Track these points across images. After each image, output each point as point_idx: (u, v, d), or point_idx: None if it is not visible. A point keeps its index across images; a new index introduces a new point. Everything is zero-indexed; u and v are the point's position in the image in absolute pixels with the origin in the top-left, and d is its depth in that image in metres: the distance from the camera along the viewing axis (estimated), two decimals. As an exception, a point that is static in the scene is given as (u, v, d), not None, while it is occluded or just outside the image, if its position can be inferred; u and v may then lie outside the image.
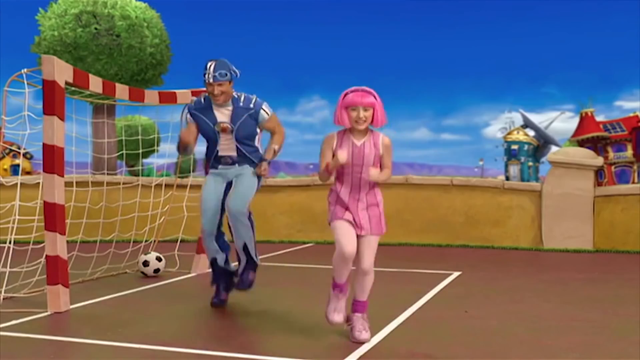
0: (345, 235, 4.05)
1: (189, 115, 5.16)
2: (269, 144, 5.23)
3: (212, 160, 5.21)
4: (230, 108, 5.06)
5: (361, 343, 4.15)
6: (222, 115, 5.07)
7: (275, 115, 5.22)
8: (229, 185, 5.17)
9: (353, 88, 4.08)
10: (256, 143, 5.20)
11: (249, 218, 5.10)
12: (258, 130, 5.18)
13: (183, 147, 5.08)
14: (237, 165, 5.15)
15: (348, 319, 4.33)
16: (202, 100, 5.14)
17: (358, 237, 4.12)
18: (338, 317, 4.26)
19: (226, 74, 4.94)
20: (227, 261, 5.34)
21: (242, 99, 5.10)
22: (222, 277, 5.41)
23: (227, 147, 5.12)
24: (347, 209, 4.12)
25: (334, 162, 4.02)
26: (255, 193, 5.13)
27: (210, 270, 5.50)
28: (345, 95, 4.07)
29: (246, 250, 5.16)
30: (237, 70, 5.04)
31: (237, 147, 5.10)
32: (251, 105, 5.08)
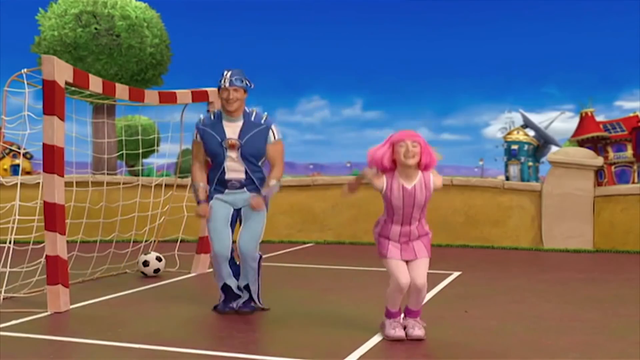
0: (399, 268, 4.20)
1: (196, 134, 5.10)
2: (267, 177, 5.09)
3: (216, 184, 5.07)
4: (241, 123, 5.01)
5: (417, 339, 4.24)
6: (232, 129, 4.99)
7: (282, 142, 5.14)
8: (235, 212, 5.08)
9: (398, 130, 4.19)
10: (260, 164, 5.10)
11: (258, 262, 5.11)
12: (266, 148, 5.08)
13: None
14: (245, 189, 5.04)
15: (404, 326, 4.39)
16: (212, 116, 5.09)
17: (410, 261, 4.27)
18: (399, 331, 4.28)
19: (242, 81, 4.95)
20: (239, 287, 5.20)
21: (254, 114, 5.06)
22: (234, 300, 5.23)
23: (234, 167, 5.00)
24: (395, 242, 4.25)
25: (364, 177, 4.16)
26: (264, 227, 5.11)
27: (219, 291, 5.26)
28: (391, 136, 4.16)
29: (247, 289, 5.18)
30: (251, 83, 5.05)
31: (245, 168, 4.99)
32: (262, 122, 5.03)
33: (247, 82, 5.01)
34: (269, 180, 5.05)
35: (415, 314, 4.35)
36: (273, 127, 5.05)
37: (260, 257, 5.13)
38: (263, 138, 5.02)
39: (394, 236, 4.23)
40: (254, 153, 5.00)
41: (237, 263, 5.17)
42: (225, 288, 5.17)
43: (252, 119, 5.03)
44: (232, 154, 4.99)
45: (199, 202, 5.09)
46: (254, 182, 5.04)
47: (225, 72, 4.97)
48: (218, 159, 5.03)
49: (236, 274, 5.17)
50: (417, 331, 4.27)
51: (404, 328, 4.32)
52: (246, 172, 5.01)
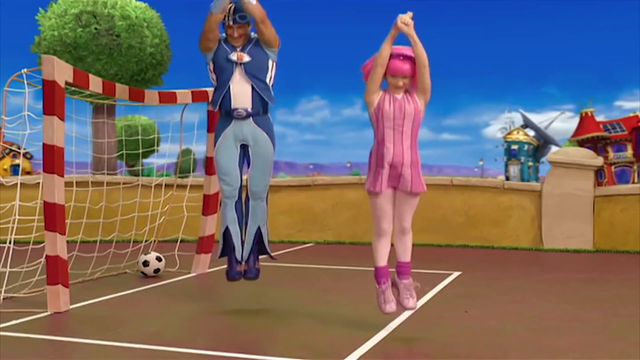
0: (383, 210, 4.19)
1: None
2: None
3: (223, 112, 5.05)
4: (246, 45, 5.05)
5: (410, 309, 4.31)
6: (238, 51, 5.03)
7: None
8: (242, 147, 5.06)
9: (395, 49, 4.21)
10: (268, 80, 5.08)
11: (266, 200, 5.15)
12: (270, 63, 5.07)
13: (206, 37, 4.96)
14: (251, 119, 5.02)
15: (393, 284, 4.40)
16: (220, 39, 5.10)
17: (397, 192, 4.22)
18: (390, 307, 4.32)
19: (246, 17, 4.96)
20: (240, 235, 5.17)
21: (252, 35, 5.10)
22: (233, 249, 5.17)
23: (240, 90, 4.97)
24: (387, 166, 4.18)
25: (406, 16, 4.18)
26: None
27: (220, 257, 5.24)
28: (390, 59, 4.21)
29: (258, 234, 5.14)
30: None
31: (252, 88, 4.96)
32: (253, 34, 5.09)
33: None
34: None
35: (405, 269, 4.35)
36: None
37: (267, 194, 5.18)
38: (261, 48, 5.03)
39: (387, 156, 4.18)
40: (259, 67, 5.01)
41: (242, 209, 5.15)
42: (226, 233, 5.12)
43: (252, 37, 5.08)
44: (238, 71, 4.98)
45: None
46: (259, 109, 5.03)
47: (230, 7, 4.95)
48: (224, 75, 5.00)
49: (241, 221, 5.16)
50: (411, 302, 4.31)
51: (396, 294, 4.34)
52: (252, 96, 4.99)
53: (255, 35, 5.09)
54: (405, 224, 4.26)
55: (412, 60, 4.20)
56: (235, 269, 5.17)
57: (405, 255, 4.35)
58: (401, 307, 4.37)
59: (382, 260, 4.37)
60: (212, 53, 5.06)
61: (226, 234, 5.14)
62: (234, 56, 4.98)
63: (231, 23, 4.95)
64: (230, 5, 4.94)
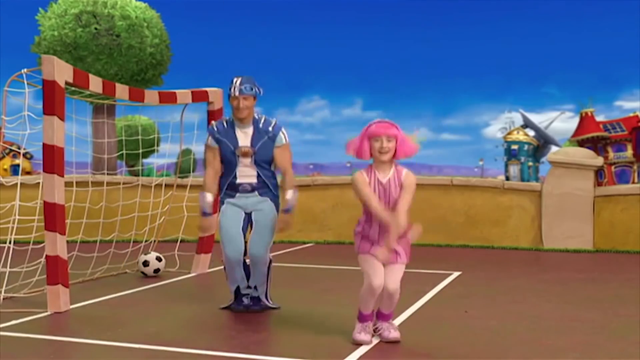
0: (374, 268, 4.10)
1: (211, 139, 5.13)
2: (282, 188, 5.12)
3: (228, 188, 5.12)
4: (252, 129, 5.07)
5: (393, 342, 4.18)
6: (244, 136, 5.05)
7: (291, 150, 5.20)
8: (247, 216, 5.11)
9: (376, 120, 4.15)
10: (272, 168, 5.17)
11: (268, 266, 5.20)
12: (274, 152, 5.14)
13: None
14: (256, 192, 5.09)
15: (375, 328, 4.35)
16: (224, 123, 5.14)
17: (385, 265, 4.15)
18: (364, 336, 4.22)
19: (252, 89, 5.00)
20: (248, 286, 5.27)
21: (263, 120, 5.11)
22: (242, 301, 5.28)
23: (246, 173, 5.06)
24: (375, 243, 4.14)
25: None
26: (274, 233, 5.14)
27: (229, 289, 5.30)
28: (368, 127, 4.11)
29: (256, 290, 5.25)
30: (260, 89, 5.10)
31: (257, 173, 5.05)
32: (270, 128, 5.08)
33: (257, 89, 5.06)
34: (286, 193, 5.08)
35: (387, 317, 4.31)
36: (282, 130, 5.13)
37: (271, 261, 5.21)
38: (272, 144, 5.08)
39: (373, 235, 4.14)
40: (266, 159, 5.08)
41: (247, 263, 5.21)
42: (237, 291, 5.24)
43: (261, 125, 5.09)
44: (245, 160, 5.05)
45: (204, 214, 5.09)
46: (264, 185, 5.10)
47: (235, 80, 5.01)
48: (231, 166, 5.09)
49: (248, 276, 5.23)
50: (393, 333, 4.23)
51: (376, 331, 4.28)
52: (258, 177, 5.07)
53: (261, 116, 5.13)
54: (392, 287, 4.15)
55: (395, 127, 4.08)
56: (241, 302, 5.27)
57: (390, 309, 4.28)
58: (384, 339, 4.24)
59: (370, 309, 4.27)
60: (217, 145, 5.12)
61: (237, 293, 5.25)
62: (239, 153, 5.03)
63: (237, 94, 4.95)
64: (237, 78, 4.99)
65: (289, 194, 5.06)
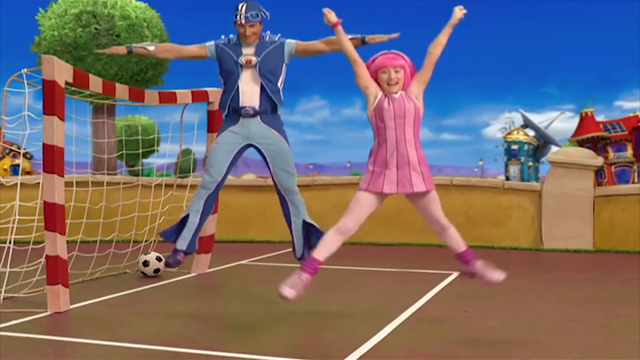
0: (357, 210, 3.99)
1: (212, 46, 5.12)
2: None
3: (229, 110, 5.05)
4: (256, 44, 5.07)
5: (498, 283, 4.19)
6: (248, 50, 5.04)
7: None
8: (246, 147, 5.08)
9: (381, 52, 4.07)
10: (279, 84, 5.09)
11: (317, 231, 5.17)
12: (283, 67, 5.10)
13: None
14: (259, 117, 5.02)
15: (469, 274, 4.30)
16: (229, 40, 5.13)
17: (414, 196, 4.05)
18: (289, 292, 4.04)
19: (257, 15, 4.98)
20: (197, 230, 5.16)
21: (268, 36, 5.12)
22: (180, 234, 5.17)
23: (249, 90, 4.99)
24: (393, 169, 4.01)
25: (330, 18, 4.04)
26: None
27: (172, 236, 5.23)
28: (374, 59, 4.04)
29: (309, 225, 5.19)
30: (267, 12, 5.07)
31: (261, 88, 4.97)
32: (276, 39, 5.11)
33: (263, 14, 5.03)
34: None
35: (468, 256, 4.20)
36: (289, 39, 5.11)
37: (318, 230, 5.18)
38: (280, 53, 5.07)
39: (389, 157, 4.00)
40: (271, 69, 5.02)
41: (212, 206, 5.16)
42: (183, 221, 5.13)
43: (267, 39, 5.10)
44: (248, 72, 4.99)
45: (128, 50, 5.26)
46: (268, 106, 5.03)
47: (240, 6, 4.97)
48: (232, 77, 5.02)
49: (203, 217, 5.15)
50: (496, 274, 4.16)
51: (475, 277, 4.25)
52: (261, 96, 4.99)
53: (274, 37, 5.10)
54: (442, 221, 4.08)
55: (402, 58, 4.07)
56: (176, 257, 5.17)
57: (460, 245, 4.18)
58: (492, 282, 4.19)
59: (325, 255, 4.10)
60: (216, 55, 5.09)
61: (184, 220, 5.13)
62: (242, 60, 5.00)
63: (243, 21, 4.95)
64: (242, 4, 4.96)
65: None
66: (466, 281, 6.74)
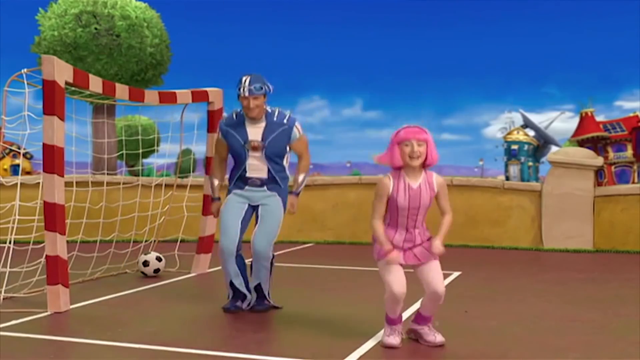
0: (393, 275, 4.02)
1: (220, 134, 5.15)
2: (295, 172, 5.25)
3: (237, 179, 5.12)
4: (264, 124, 5.04)
5: (439, 346, 4.11)
6: (255, 131, 5.02)
7: (306, 137, 5.22)
8: (251, 208, 5.12)
9: (405, 125, 4.07)
10: (284, 162, 5.16)
11: (271, 262, 5.13)
12: (287, 149, 5.14)
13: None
14: (265, 187, 5.08)
15: (409, 332, 4.30)
16: (234, 116, 5.12)
17: (418, 266, 4.10)
18: (394, 339, 4.14)
19: (261, 88, 4.94)
20: (246, 285, 5.19)
21: (276, 113, 5.09)
22: (244, 297, 5.23)
23: (256, 166, 5.05)
24: (399, 247, 4.08)
25: (392, 259, 4.00)
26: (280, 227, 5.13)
27: (228, 289, 5.25)
28: (398, 132, 4.05)
29: (258, 289, 5.20)
30: (270, 86, 5.05)
31: (268, 167, 5.04)
32: (285, 121, 5.06)
33: (267, 87, 5.01)
34: (298, 175, 5.23)
35: (427, 320, 4.22)
36: (297, 124, 5.12)
37: (273, 256, 5.16)
38: (286, 137, 5.07)
39: (397, 242, 4.07)
40: (277, 153, 5.07)
41: (245, 262, 5.18)
42: (232, 285, 5.17)
43: (275, 119, 5.06)
44: (255, 154, 5.04)
45: (213, 200, 5.36)
46: (275, 180, 5.09)
47: (244, 79, 4.94)
48: (240, 158, 5.09)
49: (244, 273, 5.17)
50: (439, 337, 4.15)
51: (416, 335, 4.24)
52: (268, 171, 5.07)
53: (274, 109, 5.11)
54: (439, 289, 4.06)
55: (425, 132, 4.02)
56: (235, 304, 5.22)
57: (433, 313, 4.21)
58: (430, 343, 4.17)
59: (397, 314, 4.17)
60: (224, 139, 5.15)
61: (231, 285, 5.19)
62: (248, 147, 5.03)
63: (246, 94, 4.90)
64: (246, 77, 4.95)
65: (301, 177, 5.20)
66: (466, 281, 6.77)
